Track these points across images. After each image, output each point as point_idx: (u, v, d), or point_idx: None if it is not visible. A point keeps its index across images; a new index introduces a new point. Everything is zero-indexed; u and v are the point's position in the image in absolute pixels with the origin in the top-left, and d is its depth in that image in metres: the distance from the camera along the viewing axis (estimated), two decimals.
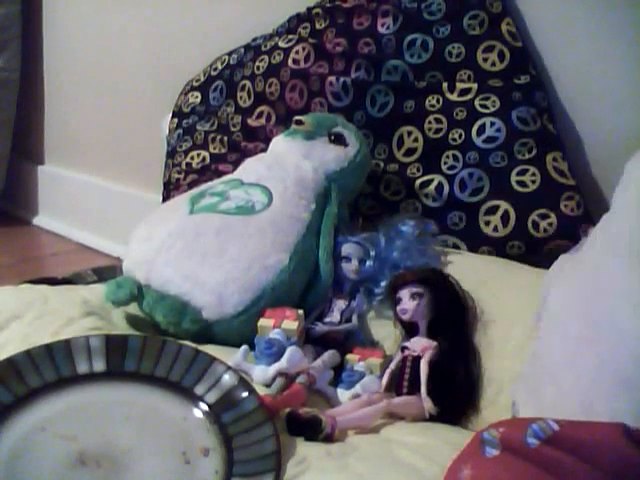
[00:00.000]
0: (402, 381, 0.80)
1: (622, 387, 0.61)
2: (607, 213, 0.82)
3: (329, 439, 0.68)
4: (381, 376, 0.82)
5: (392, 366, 0.82)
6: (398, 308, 0.85)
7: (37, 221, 2.07)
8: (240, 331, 0.86)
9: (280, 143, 1.06)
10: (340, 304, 0.91)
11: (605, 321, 0.66)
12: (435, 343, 0.81)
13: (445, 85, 1.10)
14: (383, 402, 0.75)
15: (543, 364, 0.72)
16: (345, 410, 0.73)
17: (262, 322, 0.83)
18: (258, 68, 1.25)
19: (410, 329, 0.85)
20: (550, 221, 0.98)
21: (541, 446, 0.50)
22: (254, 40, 1.31)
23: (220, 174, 1.16)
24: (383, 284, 0.92)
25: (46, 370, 0.69)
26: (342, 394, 0.81)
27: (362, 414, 0.73)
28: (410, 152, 1.12)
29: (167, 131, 1.40)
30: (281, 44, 1.24)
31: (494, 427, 0.54)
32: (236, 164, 1.13)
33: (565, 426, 0.52)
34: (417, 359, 0.80)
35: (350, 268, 0.93)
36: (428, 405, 0.76)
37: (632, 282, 0.64)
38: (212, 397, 0.69)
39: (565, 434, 0.51)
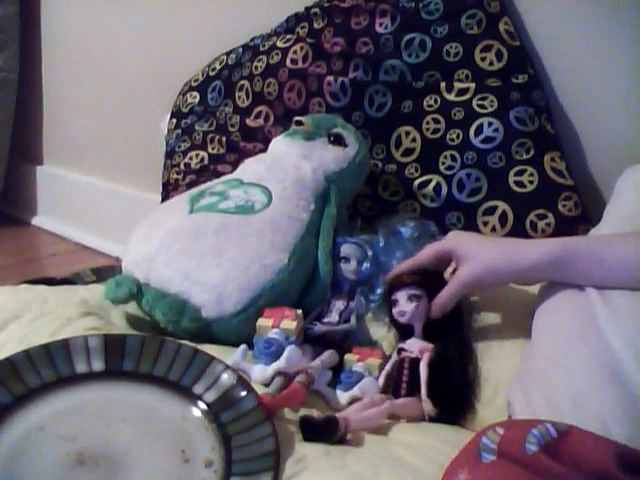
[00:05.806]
0: (400, 383, 0.80)
1: (610, 382, 0.62)
2: (596, 227, 0.84)
3: (342, 440, 0.68)
4: (377, 377, 0.81)
5: (388, 367, 0.82)
6: (395, 310, 0.84)
7: (36, 221, 2.07)
8: (239, 330, 0.86)
9: (280, 143, 1.06)
10: (339, 304, 0.91)
11: (592, 320, 0.67)
12: (432, 345, 0.81)
13: (443, 85, 1.10)
14: (386, 404, 0.74)
15: (533, 362, 0.72)
16: (352, 412, 0.72)
17: (261, 321, 0.83)
18: (256, 68, 1.25)
19: (404, 331, 0.85)
20: (548, 221, 0.98)
21: (538, 453, 0.50)
22: (252, 40, 1.32)
23: (219, 174, 1.16)
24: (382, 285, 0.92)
25: (45, 370, 0.69)
26: (340, 395, 0.80)
27: (369, 415, 0.72)
28: (408, 152, 1.12)
29: (166, 131, 1.40)
30: (279, 44, 1.24)
31: (493, 429, 0.54)
32: (235, 164, 1.13)
33: (563, 434, 0.52)
34: (415, 361, 0.80)
35: (349, 269, 0.93)
36: (428, 407, 0.76)
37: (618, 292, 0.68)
38: (211, 396, 0.69)
39: (562, 443, 0.51)
